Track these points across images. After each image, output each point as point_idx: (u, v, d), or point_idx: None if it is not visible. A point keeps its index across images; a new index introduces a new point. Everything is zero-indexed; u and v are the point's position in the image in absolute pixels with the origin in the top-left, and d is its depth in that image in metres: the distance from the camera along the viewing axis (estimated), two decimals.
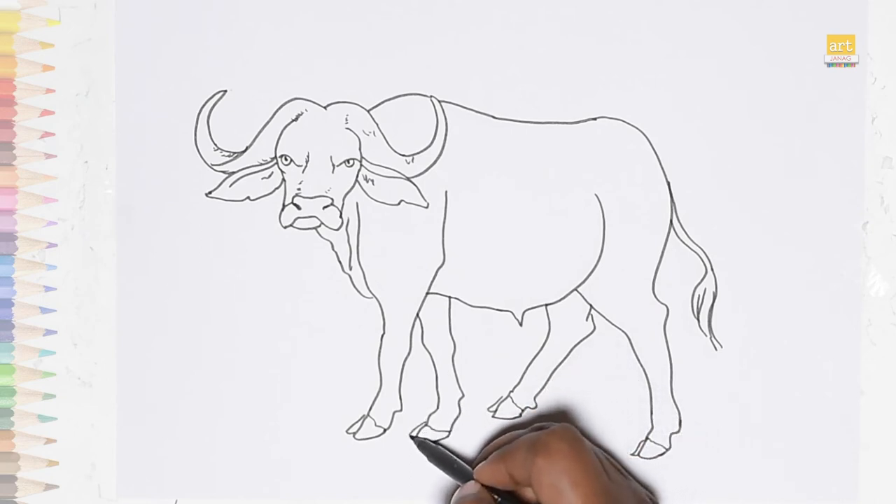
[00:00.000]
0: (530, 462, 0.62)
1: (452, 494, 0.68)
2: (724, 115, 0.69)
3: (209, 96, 0.69)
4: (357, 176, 0.69)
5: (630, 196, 0.69)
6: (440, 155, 0.69)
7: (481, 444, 0.70)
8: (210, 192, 0.70)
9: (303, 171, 0.69)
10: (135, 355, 0.70)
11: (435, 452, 0.69)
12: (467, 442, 0.70)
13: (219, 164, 0.69)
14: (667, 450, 0.70)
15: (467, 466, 0.68)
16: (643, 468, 0.70)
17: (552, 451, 0.62)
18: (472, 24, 0.69)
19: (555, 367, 0.70)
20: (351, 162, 0.69)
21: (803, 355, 0.70)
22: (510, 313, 0.70)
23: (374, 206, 0.69)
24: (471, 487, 0.66)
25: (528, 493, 0.65)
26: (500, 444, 0.67)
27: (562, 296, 0.70)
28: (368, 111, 0.69)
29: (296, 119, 0.69)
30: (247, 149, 0.69)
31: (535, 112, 0.69)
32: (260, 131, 0.69)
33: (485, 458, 0.67)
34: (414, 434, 0.70)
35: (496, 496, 0.65)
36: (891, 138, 0.69)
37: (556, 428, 0.64)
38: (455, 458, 0.69)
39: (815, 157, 0.69)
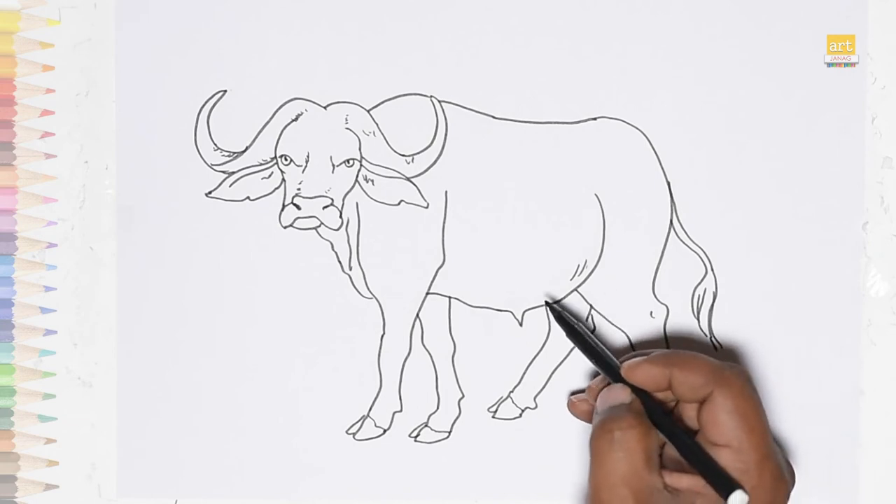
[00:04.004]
0: (706, 390, 0.61)
1: (593, 383, 0.66)
2: (724, 114, 0.69)
3: (209, 96, 0.69)
4: (357, 176, 0.69)
5: (630, 196, 0.69)
6: (440, 155, 0.69)
7: (481, 447, 0.70)
8: (210, 192, 0.69)
9: (303, 171, 0.69)
10: (135, 355, 0.70)
11: (574, 330, 0.67)
12: (468, 443, 0.70)
13: (219, 164, 0.69)
14: None
15: (616, 361, 0.65)
16: None
17: (734, 390, 0.61)
18: (472, 24, 0.69)
19: (555, 367, 0.70)
20: (351, 162, 0.69)
21: (803, 355, 0.69)
22: (510, 313, 0.70)
23: (374, 206, 0.69)
24: (621, 395, 0.64)
25: (664, 397, 0.64)
26: (662, 356, 0.65)
27: (562, 296, 0.70)
28: (368, 111, 0.69)
29: (296, 119, 0.69)
30: (247, 149, 0.69)
31: (535, 112, 0.69)
32: (260, 131, 0.69)
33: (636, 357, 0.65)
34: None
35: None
36: (891, 138, 0.69)
37: (735, 366, 0.63)
38: (600, 344, 0.67)
39: (815, 157, 0.69)
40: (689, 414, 0.64)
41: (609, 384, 0.65)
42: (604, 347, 0.67)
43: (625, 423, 0.62)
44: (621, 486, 0.61)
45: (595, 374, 0.69)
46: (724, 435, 0.61)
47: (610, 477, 0.61)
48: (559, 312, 0.68)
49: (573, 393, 0.69)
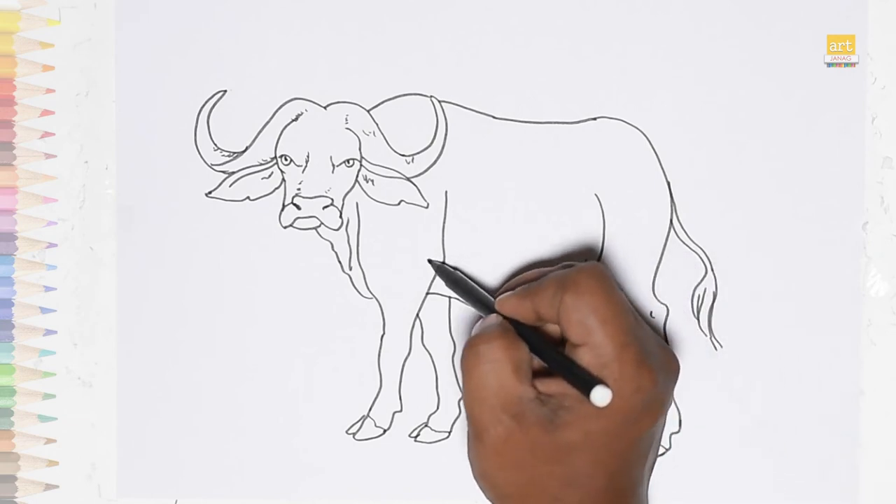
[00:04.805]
0: (558, 299, 0.61)
1: (473, 325, 0.67)
2: (724, 115, 0.69)
3: (209, 96, 0.69)
4: (357, 176, 0.69)
5: (630, 196, 0.69)
6: (440, 155, 0.69)
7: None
8: (210, 192, 0.70)
9: (303, 171, 0.69)
10: (135, 355, 0.70)
11: (453, 278, 0.68)
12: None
13: (219, 164, 0.69)
14: (667, 450, 0.70)
15: (489, 297, 0.66)
16: None
17: (581, 288, 0.60)
18: (472, 24, 0.69)
19: None
20: (351, 162, 0.69)
21: (803, 355, 0.69)
22: None
23: (374, 206, 0.69)
24: (493, 318, 0.64)
25: (552, 329, 0.64)
26: (525, 279, 0.65)
27: None
28: (368, 111, 0.69)
29: (296, 119, 0.69)
30: (247, 149, 0.69)
31: (535, 112, 0.69)
32: (260, 131, 0.69)
33: (508, 291, 0.65)
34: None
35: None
36: (891, 138, 0.69)
37: (584, 265, 0.62)
38: (477, 286, 0.67)
39: (815, 157, 0.69)
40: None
41: None
42: (480, 289, 0.67)
43: (489, 336, 0.62)
44: (491, 398, 0.61)
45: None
46: (580, 334, 0.60)
47: (479, 391, 0.61)
48: (438, 265, 0.69)
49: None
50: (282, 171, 0.69)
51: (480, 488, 0.64)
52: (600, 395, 0.59)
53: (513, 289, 0.65)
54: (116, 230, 0.70)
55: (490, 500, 0.64)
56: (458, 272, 0.69)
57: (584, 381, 0.60)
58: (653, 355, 0.61)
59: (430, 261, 0.69)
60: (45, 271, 0.70)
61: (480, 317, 0.66)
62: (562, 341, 0.63)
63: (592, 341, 0.60)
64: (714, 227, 0.69)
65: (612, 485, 0.61)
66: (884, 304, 0.70)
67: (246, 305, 0.70)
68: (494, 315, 0.64)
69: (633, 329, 0.61)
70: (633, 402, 0.60)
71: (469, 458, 0.63)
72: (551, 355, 0.62)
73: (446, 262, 0.69)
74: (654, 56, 0.69)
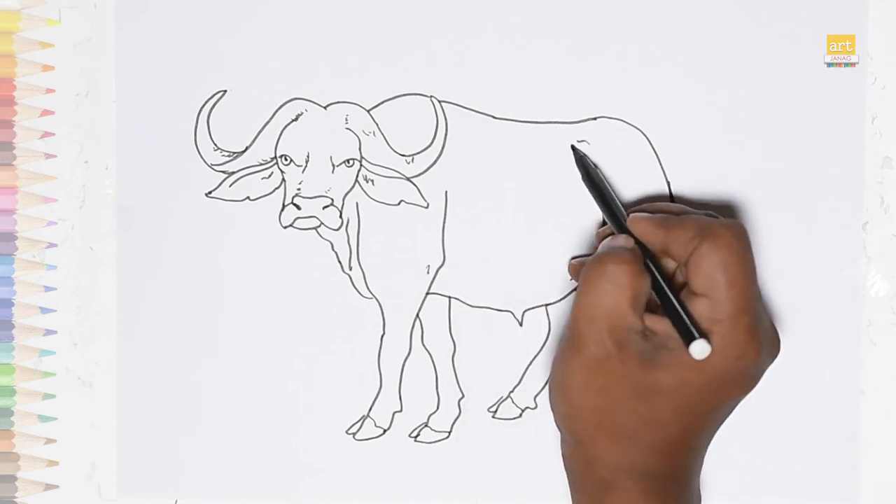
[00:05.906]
0: (693, 244, 0.61)
1: (599, 233, 0.67)
2: (724, 115, 0.69)
3: (209, 96, 0.69)
4: (357, 176, 0.69)
5: (630, 196, 0.69)
6: (440, 155, 0.69)
7: (481, 447, 0.70)
8: (210, 192, 0.70)
9: (303, 171, 0.69)
10: (135, 355, 0.70)
11: (592, 176, 0.68)
12: (468, 443, 0.70)
13: (219, 164, 0.69)
14: None
15: (623, 209, 0.66)
16: None
17: (720, 242, 0.60)
18: (472, 24, 0.69)
19: None
20: (351, 162, 0.69)
21: (803, 355, 0.69)
22: (510, 313, 0.70)
23: (374, 206, 0.69)
24: (624, 241, 0.64)
25: (668, 265, 0.64)
26: (665, 209, 0.66)
27: (562, 296, 0.70)
28: (368, 111, 0.69)
29: (296, 119, 0.69)
30: (247, 149, 0.69)
31: (535, 112, 0.69)
32: (260, 131, 0.69)
33: (644, 213, 0.65)
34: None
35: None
36: (891, 138, 0.69)
37: (729, 221, 0.62)
38: (613, 194, 0.67)
39: (815, 157, 0.69)
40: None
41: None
42: (615, 197, 0.67)
43: (620, 258, 0.62)
44: (600, 318, 0.61)
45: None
46: (704, 285, 0.61)
47: (592, 307, 0.61)
48: (581, 156, 0.68)
49: (574, 258, 0.69)
50: (282, 171, 0.69)
51: (552, 404, 0.64)
52: (699, 349, 0.60)
53: (649, 213, 0.65)
54: (116, 230, 0.70)
55: (559, 418, 0.64)
56: (599, 171, 0.68)
57: (689, 331, 0.60)
58: (764, 330, 0.62)
59: (573, 147, 0.68)
60: (45, 271, 0.70)
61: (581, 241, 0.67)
62: (678, 282, 0.63)
63: (714, 296, 0.60)
64: None
65: (682, 439, 0.62)
66: (884, 304, 0.70)
67: (246, 305, 0.70)
68: (625, 237, 0.64)
69: (754, 299, 0.61)
70: (733, 367, 0.61)
71: (553, 368, 0.64)
72: (667, 295, 0.62)
73: (586, 155, 0.68)
74: (654, 56, 0.69)
